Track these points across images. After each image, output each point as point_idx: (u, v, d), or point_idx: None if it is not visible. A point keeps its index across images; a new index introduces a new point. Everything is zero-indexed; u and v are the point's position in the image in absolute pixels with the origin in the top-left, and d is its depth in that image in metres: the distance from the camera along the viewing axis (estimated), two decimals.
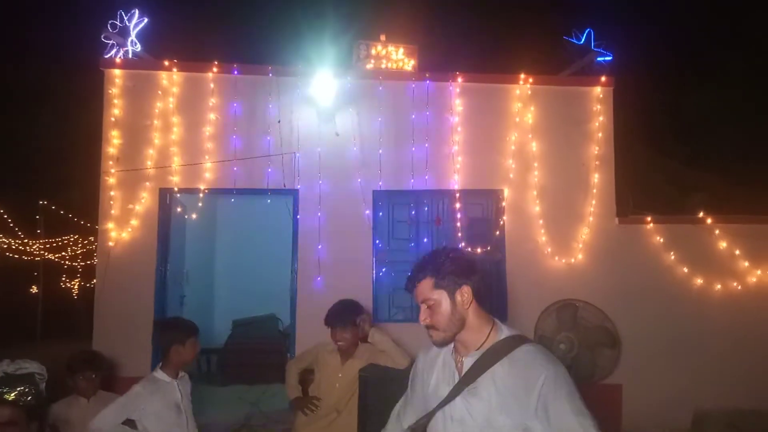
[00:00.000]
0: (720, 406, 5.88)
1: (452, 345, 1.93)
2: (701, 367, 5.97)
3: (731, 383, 5.92)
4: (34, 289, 13.14)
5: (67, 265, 14.52)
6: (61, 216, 12.64)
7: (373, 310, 5.99)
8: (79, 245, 13.86)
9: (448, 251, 1.92)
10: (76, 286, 14.85)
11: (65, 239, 13.80)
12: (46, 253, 13.36)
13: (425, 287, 1.87)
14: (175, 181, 5.91)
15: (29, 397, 2.33)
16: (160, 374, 2.92)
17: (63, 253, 14.01)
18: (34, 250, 13.20)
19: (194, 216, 6.66)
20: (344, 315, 3.38)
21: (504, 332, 1.88)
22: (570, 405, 1.71)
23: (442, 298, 1.84)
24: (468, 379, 1.81)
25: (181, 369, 3.00)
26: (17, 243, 13.10)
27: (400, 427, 2.09)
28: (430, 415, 1.86)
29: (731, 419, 5.79)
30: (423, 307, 1.88)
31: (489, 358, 1.81)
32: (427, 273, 1.87)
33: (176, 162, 5.90)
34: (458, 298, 1.85)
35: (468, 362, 1.85)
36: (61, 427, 3.18)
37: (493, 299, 6.05)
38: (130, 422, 2.86)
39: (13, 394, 2.29)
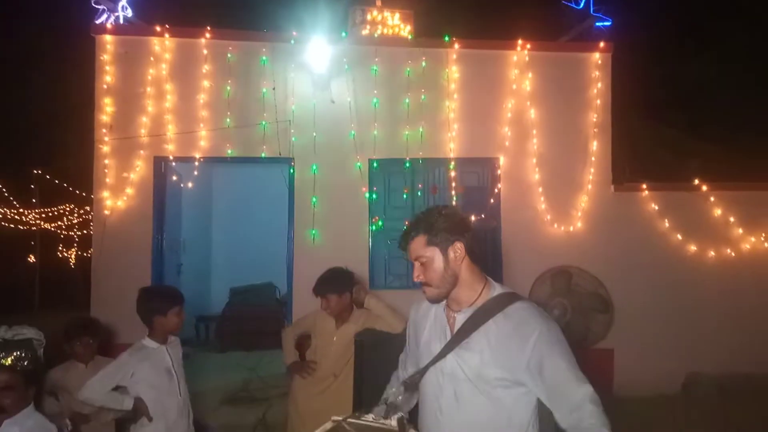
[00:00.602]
0: (710, 370, 6.00)
1: (444, 301, 1.95)
2: (693, 332, 6.07)
3: (722, 348, 6.02)
4: (32, 259, 13.17)
5: (64, 234, 14.51)
6: (57, 185, 12.59)
7: (370, 278, 6.04)
8: (75, 215, 13.82)
9: (440, 209, 1.92)
10: (73, 256, 14.86)
11: (61, 209, 13.76)
12: (42, 223, 13.35)
13: (418, 244, 1.88)
14: (170, 149, 5.87)
15: (26, 362, 2.33)
16: (147, 341, 2.94)
17: (59, 223, 13.99)
18: (30, 219, 13.17)
19: (190, 185, 6.63)
20: (330, 283, 3.41)
21: (497, 289, 1.90)
22: (563, 361, 1.73)
23: (434, 254, 1.85)
24: (460, 335, 1.83)
25: (171, 335, 3.01)
26: (13, 213, 13.06)
27: (405, 372, 2.13)
28: (422, 371, 1.89)
29: (721, 382, 5.92)
30: (416, 264, 1.89)
31: (482, 314, 1.82)
32: (420, 230, 1.88)
33: (171, 130, 5.85)
34: (451, 254, 1.85)
35: (460, 318, 1.87)
36: (59, 392, 3.22)
37: (488, 266, 6.08)
38: (123, 390, 2.90)
39: (9, 359, 2.30)
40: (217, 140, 5.90)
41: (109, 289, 5.74)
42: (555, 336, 1.77)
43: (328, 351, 3.43)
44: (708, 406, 5.62)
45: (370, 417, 1.45)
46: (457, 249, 1.85)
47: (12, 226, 13.16)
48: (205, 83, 5.90)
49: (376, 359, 3.13)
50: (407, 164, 6.05)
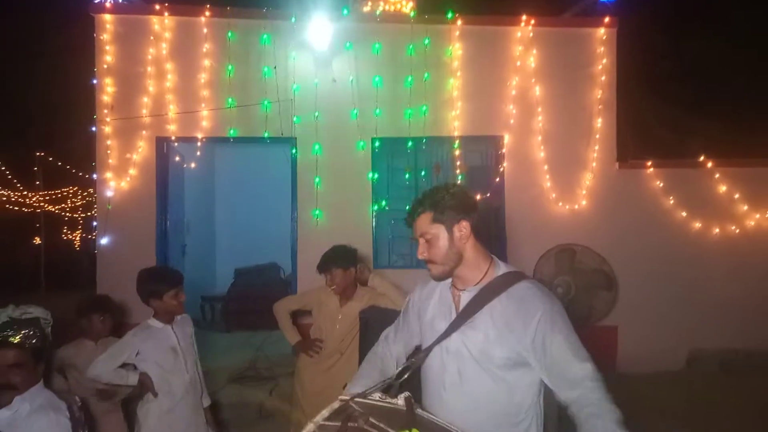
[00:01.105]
0: (714, 346, 6.03)
1: (449, 280, 1.95)
2: (696, 309, 6.08)
3: (726, 325, 6.04)
4: (37, 240, 13.21)
5: (68, 217, 14.55)
6: (60, 168, 12.59)
7: (373, 257, 6.05)
8: (79, 197, 13.85)
9: (447, 187, 1.92)
10: (77, 238, 14.93)
11: (65, 191, 13.78)
12: (46, 205, 13.38)
13: (424, 221, 1.88)
14: (172, 129, 5.85)
15: (34, 340, 2.35)
16: (152, 321, 2.97)
17: (63, 205, 14.02)
18: (34, 202, 13.20)
19: (193, 165, 6.61)
20: (334, 258, 3.41)
21: (502, 269, 1.90)
22: (565, 339, 1.74)
23: (439, 232, 1.86)
24: (465, 313, 1.83)
25: (176, 314, 3.01)
26: (16, 195, 13.09)
27: (388, 348, 2.14)
28: (428, 350, 1.90)
29: (724, 358, 5.95)
30: (421, 241, 1.90)
31: (487, 293, 1.83)
32: (426, 207, 1.88)
33: (172, 110, 5.82)
34: (456, 233, 1.86)
35: (465, 297, 1.87)
36: (67, 370, 3.25)
37: (492, 245, 6.09)
38: (129, 367, 2.94)
39: (18, 337, 2.31)
40: (219, 120, 5.87)
41: (114, 270, 5.77)
42: (558, 315, 1.78)
43: (333, 329, 3.45)
44: (711, 382, 5.66)
45: (376, 396, 1.45)
46: (463, 228, 1.85)
47: (16, 208, 13.20)
48: (206, 62, 5.86)
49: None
50: (410, 143, 6.01)
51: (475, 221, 1.88)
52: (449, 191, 1.89)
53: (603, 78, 6.16)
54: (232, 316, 7.58)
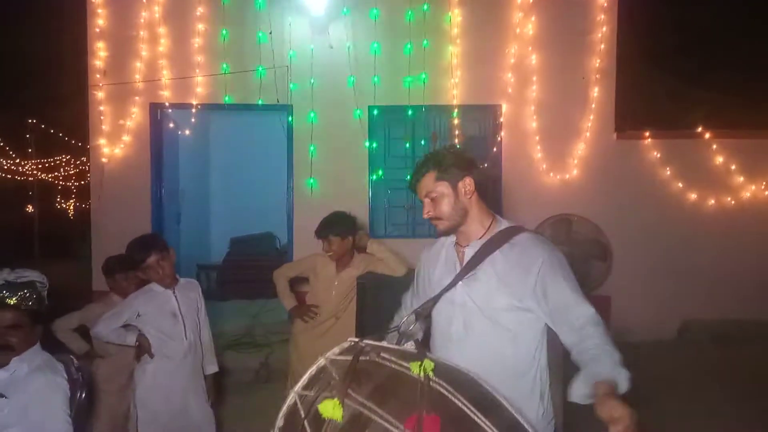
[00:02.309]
0: (705, 316, 6.10)
1: (454, 239, 2.00)
2: (690, 280, 6.12)
3: (719, 295, 6.09)
4: (30, 209, 13.15)
5: (61, 185, 14.45)
6: (52, 135, 12.43)
7: (370, 227, 6.04)
8: (72, 165, 13.73)
9: (448, 147, 2.00)
10: (71, 207, 14.85)
11: (57, 159, 13.65)
12: (39, 173, 13.27)
13: (428, 181, 1.92)
14: (166, 95, 5.76)
15: (31, 302, 2.35)
16: (154, 285, 2.97)
17: (56, 174, 13.91)
18: (27, 170, 13.09)
19: (187, 132, 6.54)
20: (332, 225, 3.41)
21: (504, 224, 1.96)
22: (566, 284, 1.79)
23: (444, 189, 1.90)
24: (469, 266, 1.88)
25: (160, 281, 2.99)
26: (9, 163, 12.96)
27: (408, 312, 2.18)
28: (435, 299, 1.94)
29: (715, 329, 6.02)
30: (426, 201, 1.94)
31: (489, 246, 1.88)
32: (430, 166, 1.92)
33: (165, 76, 5.73)
34: (461, 188, 1.90)
35: (469, 252, 1.92)
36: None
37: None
38: (132, 328, 2.96)
39: (14, 299, 2.31)
40: (214, 87, 5.78)
41: (109, 238, 5.72)
42: (558, 262, 1.83)
43: (329, 295, 3.46)
44: (702, 352, 5.73)
45: (384, 342, 1.46)
46: (467, 184, 1.90)
47: (9, 176, 13.09)
48: (200, 27, 5.74)
49: (378, 301, 3.16)
50: (408, 111, 5.94)
51: (478, 178, 1.93)
52: (450, 151, 1.96)
53: (602, 46, 6.08)
54: (228, 285, 7.60)
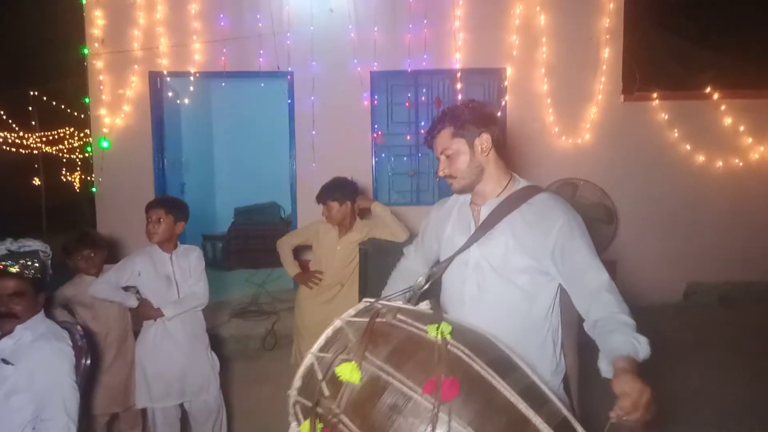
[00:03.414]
0: (712, 279, 6.08)
1: (468, 197, 1.94)
2: (697, 242, 6.09)
3: (725, 258, 6.07)
4: (37, 182, 13.16)
5: (66, 158, 14.43)
6: (56, 108, 12.35)
7: (373, 194, 6.01)
8: (76, 137, 13.68)
9: (466, 102, 1.90)
10: (77, 179, 14.85)
11: (61, 132, 13.60)
12: (44, 146, 13.25)
13: (444, 137, 1.85)
14: (164, 64, 5.69)
15: (33, 270, 2.36)
16: (154, 247, 2.99)
17: (60, 146, 13.88)
18: (31, 143, 13.06)
19: (186, 101, 6.48)
20: (332, 190, 3.40)
21: (522, 183, 1.89)
22: (584, 247, 1.75)
23: (460, 146, 1.84)
24: (485, 226, 1.83)
25: (169, 244, 3.00)
26: (13, 137, 12.93)
27: (409, 263, 2.22)
28: (448, 260, 1.90)
29: (722, 290, 6.01)
30: (442, 158, 1.88)
31: (506, 205, 1.82)
32: (446, 123, 1.85)
33: (163, 44, 5.64)
34: (477, 146, 1.83)
35: (485, 211, 1.86)
36: (75, 307, 3.27)
37: None
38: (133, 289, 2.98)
39: (16, 267, 2.32)
40: (212, 54, 5.69)
41: (113, 209, 5.76)
42: (577, 225, 1.78)
43: (332, 260, 3.46)
44: (709, 314, 5.74)
45: (400, 302, 1.46)
46: (484, 141, 1.83)
47: (14, 150, 13.07)
48: None
49: (381, 267, 3.14)
50: (410, 76, 5.84)
51: (496, 134, 1.85)
52: (468, 106, 1.87)
53: (611, 5, 5.93)
54: (233, 255, 7.64)
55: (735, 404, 3.88)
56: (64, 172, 14.84)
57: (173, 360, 2.92)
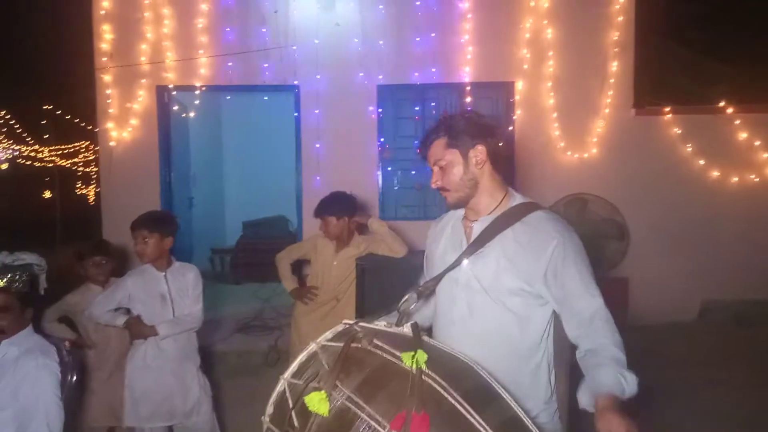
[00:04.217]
0: (727, 297, 5.91)
1: (462, 213, 1.88)
2: (711, 260, 5.93)
3: (741, 276, 5.89)
4: (47, 194, 13.31)
5: (81, 171, 14.60)
6: (69, 121, 12.52)
7: (379, 209, 5.96)
8: (90, 151, 13.86)
9: (463, 112, 1.86)
10: (92, 192, 15.01)
11: (76, 145, 13.78)
12: (58, 159, 13.41)
13: (438, 147, 1.79)
14: (171, 77, 5.70)
15: (21, 285, 2.33)
16: (148, 266, 2.94)
17: (75, 159, 14.05)
18: (45, 156, 13.23)
19: (192, 114, 6.49)
20: (329, 205, 3.36)
21: (517, 199, 1.82)
22: (578, 272, 1.67)
23: (454, 157, 1.77)
24: (477, 243, 1.75)
25: (161, 261, 2.96)
26: (28, 150, 13.11)
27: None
28: (437, 279, 1.82)
29: (737, 310, 5.83)
30: (435, 169, 1.82)
31: (500, 222, 1.75)
32: (441, 133, 1.79)
33: (170, 57, 5.66)
34: (472, 158, 1.76)
35: (477, 228, 1.79)
36: (79, 316, 3.24)
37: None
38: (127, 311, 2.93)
39: (3, 281, 2.29)
40: (219, 67, 5.70)
41: (119, 222, 5.67)
42: (574, 246, 1.70)
43: (329, 275, 3.41)
44: (724, 334, 5.57)
45: (382, 323, 1.39)
46: (479, 152, 1.76)
47: (29, 163, 13.24)
48: (203, 6, 5.65)
49: (378, 283, 3.09)
50: (418, 91, 5.79)
51: (492, 147, 1.78)
52: (464, 116, 1.81)
53: (620, 18, 5.86)
54: (241, 269, 7.60)
55: (750, 424, 3.74)
56: (78, 186, 15.01)
57: (162, 379, 2.86)
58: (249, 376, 4.73)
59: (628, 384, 1.46)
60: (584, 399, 1.47)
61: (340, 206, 3.33)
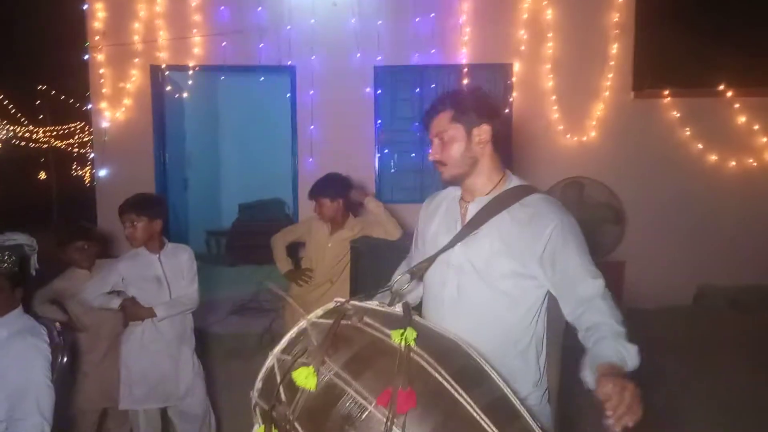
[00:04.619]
0: (722, 281, 5.92)
1: (458, 194, 1.85)
2: (708, 244, 5.93)
3: (737, 260, 5.90)
4: (43, 176, 13.25)
5: (77, 153, 14.52)
6: (64, 102, 12.42)
7: (376, 192, 5.92)
8: (86, 132, 13.75)
9: (472, 88, 1.85)
10: (87, 174, 14.94)
11: (71, 126, 13.67)
12: (53, 141, 13.32)
13: (443, 119, 1.76)
14: (165, 57, 5.62)
15: (10, 265, 2.29)
16: (141, 249, 2.92)
17: (70, 141, 13.96)
18: (41, 138, 13.14)
19: (185, 95, 6.42)
20: (323, 187, 3.32)
21: (514, 181, 1.80)
22: (577, 254, 1.65)
23: (457, 132, 1.74)
24: (471, 225, 1.73)
25: (153, 243, 2.92)
26: (23, 131, 13.01)
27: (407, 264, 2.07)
28: (430, 260, 1.80)
29: (733, 294, 5.85)
30: (435, 141, 1.79)
31: (496, 204, 1.72)
32: (447, 105, 1.76)
33: (162, 36, 5.57)
34: (475, 135, 1.74)
35: (473, 209, 1.77)
36: (68, 301, 3.21)
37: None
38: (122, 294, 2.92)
39: None
40: (213, 47, 5.62)
41: (114, 204, 5.58)
42: (571, 228, 1.68)
43: (323, 257, 3.39)
44: (719, 318, 5.58)
45: (374, 303, 1.38)
46: (483, 131, 1.74)
47: (24, 144, 13.15)
48: None
49: (373, 266, 3.07)
50: (415, 72, 5.73)
51: (497, 128, 1.76)
52: (473, 92, 1.80)
53: (620, 0, 5.78)
54: (237, 251, 7.59)
55: (744, 409, 3.76)
56: (74, 167, 14.93)
57: (159, 361, 2.86)
58: (244, 358, 4.72)
59: (629, 355, 1.43)
60: (588, 376, 1.44)
61: (334, 188, 3.30)
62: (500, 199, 1.73)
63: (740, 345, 4.89)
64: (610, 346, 1.45)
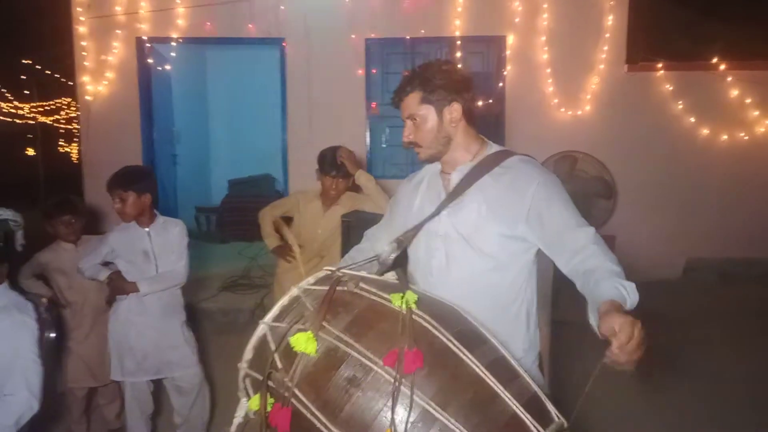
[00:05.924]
0: (712, 255, 5.96)
1: (438, 167, 1.83)
2: (698, 218, 5.96)
3: (727, 234, 5.94)
4: (30, 152, 13.07)
5: (63, 129, 14.30)
6: (51, 77, 12.17)
7: (367, 167, 5.87)
8: (73, 108, 13.52)
9: (440, 63, 1.76)
10: (75, 150, 14.74)
11: (58, 102, 13.43)
12: (40, 116, 13.10)
13: (412, 101, 1.73)
14: (148, 29, 5.49)
15: None
16: (132, 223, 2.88)
17: (57, 116, 13.73)
18: (27, 113, 12.91)
19: (171, 68, 6.29)
20: (336, 165, 3.27)
21: (494, 148, 1.79)
22: (563, 207, 1.63)
23: (428, 113, 1.72)
24: (455, 193, 1.72)
25: (143, 218, 2.88)
26: (9, 107, 12.77)
27: (371, 245, 2.04)
28: (417, 228, 1.77)
29: (722, 267, 5.90)
30: (408, 122, 1.76)
31: (477, 170, 1.71)
32: (416, 86, 1.72)
33: (144, 8, 5.44)
34: (446, 115, 1.71)
35: (455, 177, 1.75)
36: (52, 274, 3.18)
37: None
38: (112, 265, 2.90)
39: None
40: (200, 18, 5.51)
41: (101, 179, 5.53)
42: (553, 185, 1.67)
43: (315, 233, 3.36)
44: (708, 291, 5.63)
45: (363, 272, 1.37)
46: (454, 110, 1.71)
47: (10, 120, 12.92)
48: None
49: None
50: (407, 44, 5.65)
51: (468, 103, 1.73)
52: (441, 68, 1.73)
53: None
54: (227, 227, 7.54)
55: (733, 380, 3.80)
56: (61, 143, 14.73)
57: (145, 335, 2.84)
58: (236, 334, 4.72)
59: (628, 292, 1.42)
60: (592, 320, 1.42)
61: (329, 166, 3.27)
62: (481, 165, 1.72)
63: (729, 318, 4.94)
64: (608, 285, 1.43)
